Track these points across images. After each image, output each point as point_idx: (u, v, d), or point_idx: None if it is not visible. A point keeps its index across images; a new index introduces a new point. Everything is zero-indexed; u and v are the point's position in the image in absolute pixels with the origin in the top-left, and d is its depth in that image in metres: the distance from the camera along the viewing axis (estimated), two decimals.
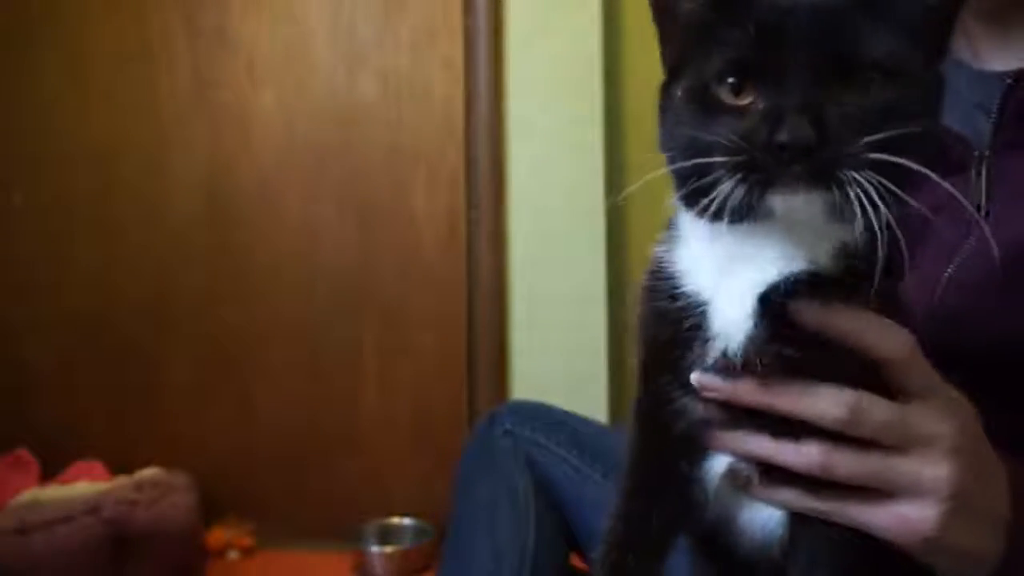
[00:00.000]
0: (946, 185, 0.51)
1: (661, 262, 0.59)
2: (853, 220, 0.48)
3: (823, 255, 0.54)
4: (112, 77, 1.97)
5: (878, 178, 0.47)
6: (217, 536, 1.85)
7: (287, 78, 1.94)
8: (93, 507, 1.61)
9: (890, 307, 0.57)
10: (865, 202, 0.47)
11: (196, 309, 1.98)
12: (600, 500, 0.94)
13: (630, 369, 0.65)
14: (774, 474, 0.58)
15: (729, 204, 0.49)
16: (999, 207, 0.74)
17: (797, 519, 0.59)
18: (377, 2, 1.92)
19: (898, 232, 0.51)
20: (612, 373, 1.86)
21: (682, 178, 0.52)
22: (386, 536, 1.87)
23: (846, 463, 0.56)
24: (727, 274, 0.56)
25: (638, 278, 0.62)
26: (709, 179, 0.49)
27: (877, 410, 0.55)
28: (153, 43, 1.96)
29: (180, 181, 1.97)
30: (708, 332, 0.56)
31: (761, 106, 0.49)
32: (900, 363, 0.56)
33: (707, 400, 0.58)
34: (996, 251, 0.72)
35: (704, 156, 0.50)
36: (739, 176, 0.48)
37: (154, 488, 1.71)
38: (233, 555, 1.86)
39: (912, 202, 0.50)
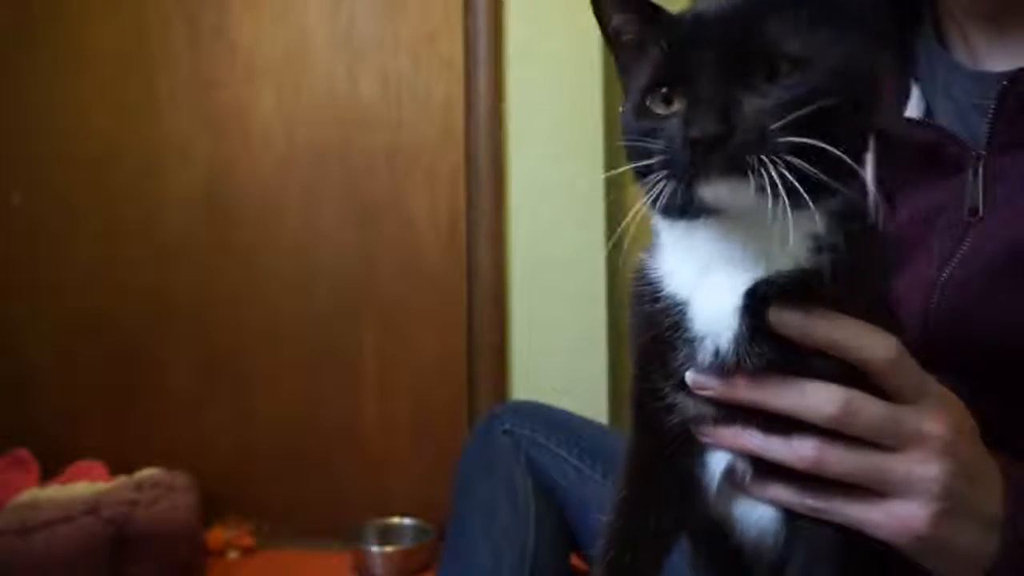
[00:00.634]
0: (864, 174, 0.54)
1: (644, 267, 0.62)
2: (780, 204, 0.50)
3: (799, 252, 0.55)
4: (112, 77, 1.97)
5: (796, 160, 0.49)
6: (217, 536, 1.85)
7: (287, 78, 1.94)
8: (93, 507, 1.61)
9: (875, 308, 0.58)
10: (780, 185, 0.49)
11: (196, 309, 1.98)
12: (600, 500, 0.94)
13: (628, 369, 0.65)
14: (768, 471, 0.59)
15: (668, 200, 0.53)
16: (996, 207, 0.74)
17: (794, 518, 0.60)
18: (377, 2, 1.92)
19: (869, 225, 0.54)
20: (612, 373, 1.86)
21: (640, 185, 0.56)
22: (386, 536, 1.87)
23: (839, 460, 0.56)
24: (705, 275, 0.57)
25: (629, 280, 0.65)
26: (649, 181, 0.54)
27: (869, 408, 0.56)
28: (153, 43, 1.96)
29: (180, 181, 1.97)
30: (691, 332, 0.57)
31: (683, 110, 0.53)
32: (886, 367, 0.56)
33: (701, 398, 0.59)
34: (994, 252, 0.72)
35: (645, 162, 0.55)
36: (666, 173, 0.52)
37: (154, 488, 1.72)
38: (233, 555, 1.86)
39: (839, 187, 0.51)
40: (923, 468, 0.56)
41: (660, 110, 0.55)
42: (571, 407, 1.14)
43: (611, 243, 0.56)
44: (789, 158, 0.49)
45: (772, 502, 0.60)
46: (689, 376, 0.58)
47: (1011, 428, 0.62)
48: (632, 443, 0.65)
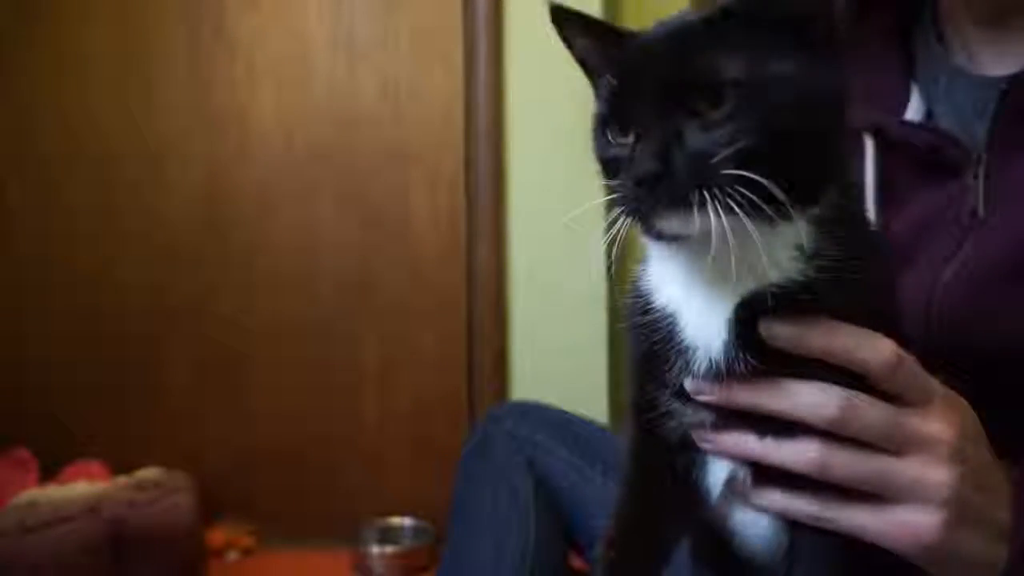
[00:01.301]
0: (832, 193, 0.53)
1: (638, 279, 0.63)
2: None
3: (784, 262, 0.54)
4: (112, 77, 1.97)
5: (741, 190, 0.49)
6: (217, 536, 1.85)
7: (286, 78, 1.94)
8: (93, 507, 1.61)
9: (874, 311, 0.57)
10: (723, 217, 0.49)
11: (196, 308, 1.98)
12: (600, 500, 0.94)
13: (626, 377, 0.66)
14: (768, 479, 0.58)
15: (631, 228, 0.55)
16: (997, 210, 0.74)
17: (796, 527, 0.59)
18: (377, 2, 1.92)
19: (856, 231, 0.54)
20: (612, 373, 1.86)
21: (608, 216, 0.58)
22: (386, 536, 1.87)
23: (844, 463, 0.55)
24: (692, 288, 0.57)
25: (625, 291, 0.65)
26: (613, 214, 0.55)
27: (871, 410, 0.55)
28: (153, 43, 1.96)
29: (180, 181, 1.97)
30: (684, 342, 0.57)
31: (632, 143, 0.54)
32: (884, 370, 0.55)
33: (700, 405, 0.58)
34: (995, 253, 0.72)
35: (609, 192, 0.58)
36: (623, 210, 0.54)
37: (154, 488, 1.71)
38: (233, 555, 1.86)
39: (781, 198, 0.50)
40: (931, 473, 0.55)
41: (617, 140, 0.57)
42: (571, 407, 1.14)
43: (608, 241, 0.56)
44: (733, 189, 0.49)
45: (772, 511, 0.60)
46: (688, 383, 0.58)
47: (1012, 430, 0.62)
48: (630, 449, 0.65)
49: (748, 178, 0.49)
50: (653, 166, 0.50)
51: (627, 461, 0.65)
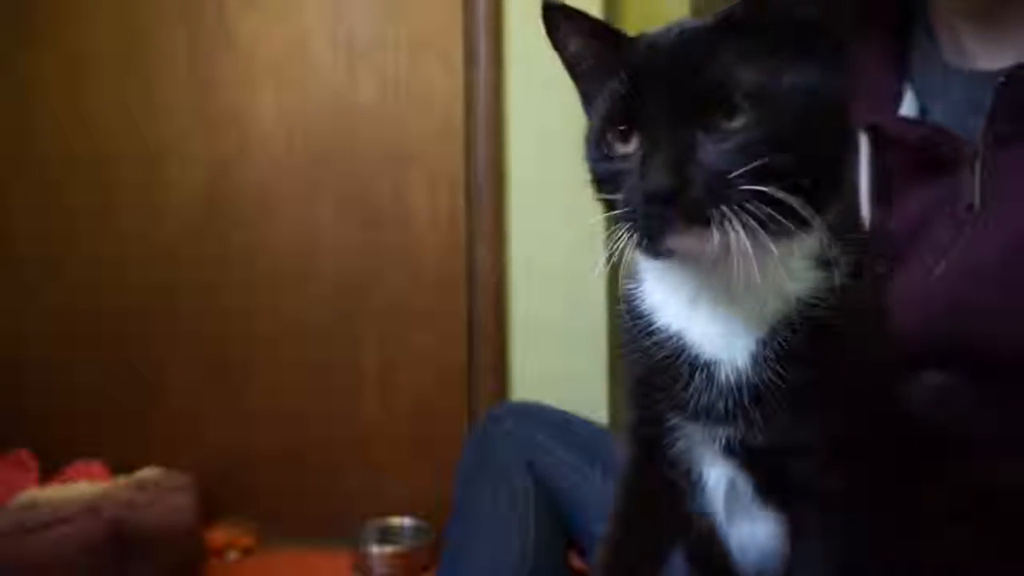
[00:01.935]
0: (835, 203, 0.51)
1: (632, 300, 0.61)
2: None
3: (802, 271, 0.54)
4: (112, 77, 1.97)
5: (761, 207, 0.48)
6: (217, 536, 1.85)
7: (287, 78, 1.94)
8: (93, 507, 1.61)
9: (877, 313, 0.57)
10: (742, 232, 0.47)
11: (196, 308, 1.98)
12: (600, 500, 0.94)
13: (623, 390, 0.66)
14: (768, 489, 0.59)
15: (639, 247, 0.52)
16: (994, 203, 0.74)
17: (794, 535, 0.59)
18: (377, 3, 1.92)
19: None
20: (612, 373, 1.86)
21: (608, 229, 0.56)
22: (386, 536, 1.87)
23: None
24: (697, 304, 0.56)
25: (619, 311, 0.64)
26: (617, 229, 0.53)
27: None
28: (152, 43, 1.96)
29: (179, 181, 1.97)
30: (700, 359, 0.57)
31: (640, 153, 0.51)
32: None
33: (709, 424, 0.57)
34: (992, 247, 0.72)
35: (609, 208, 0.55)
36: (631, 225, 0.52)
37: (154, 488, 1.71)
38: (233, 555, 1.86)
39: (806, 212, 0.49)
40: None
41: (619, 146, 0.54)
42: (571, 407, 1.14)
43: (608, 257, 0.55)
44: (752, 205, 0.48)
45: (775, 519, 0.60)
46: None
47: (1009, 423, 0.62)
48: (628, 459, 0.65)
49: (766, 192, 0.48)
50: (669, 181, 0.48)
51: (624, 470, 0.65)
